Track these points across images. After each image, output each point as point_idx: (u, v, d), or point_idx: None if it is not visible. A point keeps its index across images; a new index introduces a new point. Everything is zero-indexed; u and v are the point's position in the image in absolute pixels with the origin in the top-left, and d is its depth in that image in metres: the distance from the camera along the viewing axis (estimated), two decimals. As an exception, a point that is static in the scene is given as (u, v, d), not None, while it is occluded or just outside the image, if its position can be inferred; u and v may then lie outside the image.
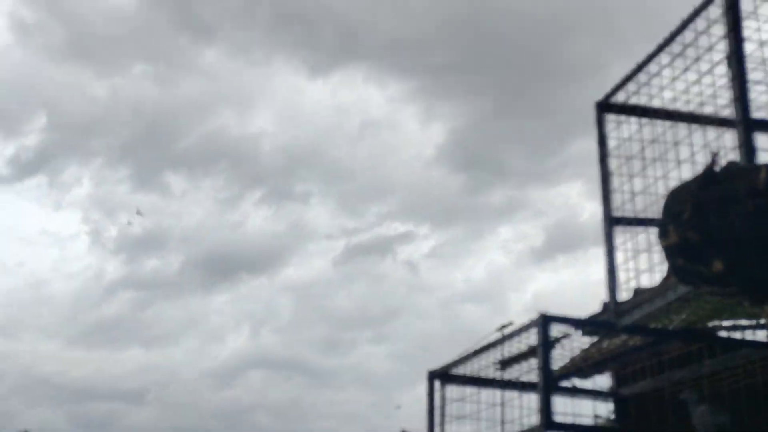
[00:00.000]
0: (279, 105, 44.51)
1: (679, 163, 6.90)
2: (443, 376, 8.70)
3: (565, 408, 7.97)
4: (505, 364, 8.45)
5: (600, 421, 8.80)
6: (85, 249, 42.96)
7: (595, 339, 8.36)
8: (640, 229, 7.50)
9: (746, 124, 6.15)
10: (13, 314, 38.75)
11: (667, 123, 7.34)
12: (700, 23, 6.70)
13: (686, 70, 6.95)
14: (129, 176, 42.48)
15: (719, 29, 6.48)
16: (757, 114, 6.50)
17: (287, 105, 44.46)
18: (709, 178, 4.86)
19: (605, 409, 8.87)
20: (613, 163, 7.95)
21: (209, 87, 42.48)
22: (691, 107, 7.13)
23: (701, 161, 6.73)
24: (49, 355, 37.12)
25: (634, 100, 7.82)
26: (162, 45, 41.44)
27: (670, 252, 4.89)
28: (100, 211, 43.40)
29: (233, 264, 40.64)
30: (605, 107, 8.19)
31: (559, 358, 8.43)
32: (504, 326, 7.86)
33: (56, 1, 40.67)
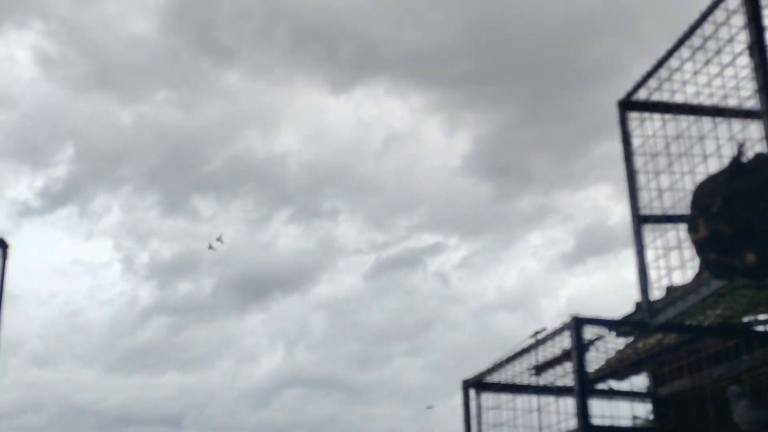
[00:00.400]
0: (303, 123, 44.72)
1: (705, 157, 6.82)
2: (478, 384, 8.64)
3: (602, 411, 7.90)
4: (540, 369, 8.38)
5: (639, 422, 8.69)
6: (118, 276, 43.28)
7: (629, 340, 8.27)
8: (669, 226, 7.43)
9: (772, 114, 6.06)
10: (50, 344, 39.07)
11: (691, 118, 7.27)
12: (719, 14, 6.63)
13: (707, 63, 6.87)
14: (158, 202, 42.81)
15: (739, 19, 6.41)
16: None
17: (311, 123, 44.66)
18: (737, 169, 4.80)
19: (644, 410, 8.77)
20: (638, 162, 7.89)
21: (232, 109, 42.80)
22: (714, 100, 7.05)
23: (728, 154, 6.66)
24: (87, 384, 37.37)
25: (656, 97, 7.75)
26: (184, 70, 41.82)
27: (700, 246, 4.83)
28: (131, 238, 43.74)
29: (265, 284, 40.79)
30: (628, 105, 8.12)
31: (594, 360, 8.34)
32: (537, 332, 7.80)
33: (78, 33, 41.18)
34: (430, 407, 24.67)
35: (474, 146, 42.06)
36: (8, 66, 41.35)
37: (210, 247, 27.82)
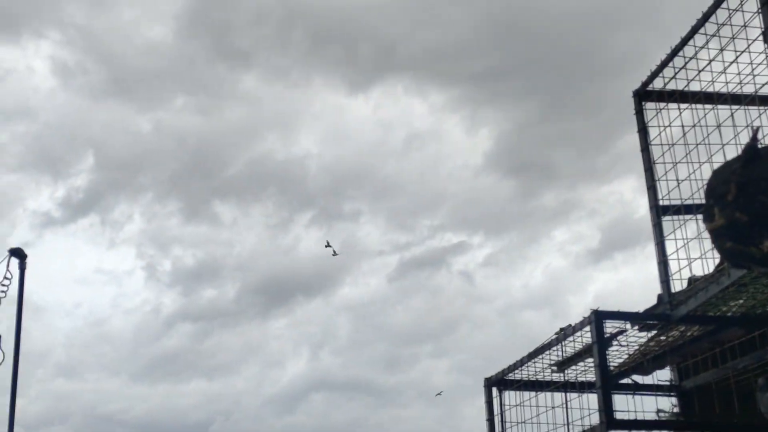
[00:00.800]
0: (322, 125, 44.59)
1: (722, 145, 6.73)
2: (500, 382, 8.58)
3: (627, 405, 7.81)
4: (562, 365, 8.30)
5: (664, 416, 8.58)
6: (141, 284, 43.25)
7: (652, 333, 8.16)
8: (689, 216, 7.33)
9: (788, 99, 5.98)
10: (76, 354, 39.17)
11: (708, 106, 7.18)
12: (732, 1, 6.54)
13: (722, 50, 6.78)
14: (179, 209, 42.75)
15: (752, 5, 6.32)
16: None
17: (330, 124, 44.52)
18: (752, 155, 4.70)
19: (669, 404, 8.66)
20: (656, 152, 7.79)
21: (251, 113, 42.74)
22: (730, 87, 6.95)
23: (745, 141, 6.55)
24: (113, 393, 37.43)
25: (672, 86, 7.65)
26: (201, 75, 41.78)
27: (717, 235, 4.74)
28: (154, 245, 43.72)
29: (288, 288, 40.69)
30: (644, 95, 8.03)
31: (617, 355, 8.25)
32: (563, 329, 7.73)
33: (95, 41, 41.30)
34: (439, 394, 25.06)
35: (496, 143, 41.77)
36: (27, 77, 41.56)
37: (327, 245, 27.87)
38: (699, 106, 7.32)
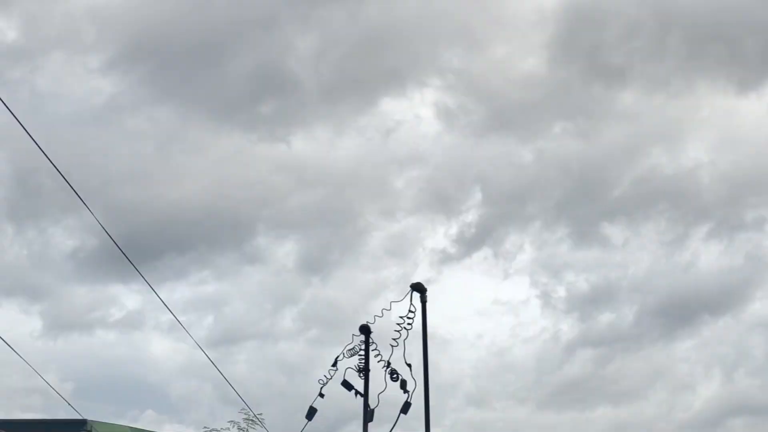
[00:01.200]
0: (710, 131, 42.56)
1: None
2: None
3: None
4: None
5: None
6: (538, 312, 44.05)
7: None
8: None
9: None
10: (483, 384, 40.65)
11: None
12: None
13: None
14: (568, 234, 43.08)
15: None
16: None
17: (719, 129, 42.30)
18: None
19: None
20: None
21: (632, 129, 41.98)
22: None
23: None
24: (523, 421, 38.25)
25: None
26: (577, 98, 41.93)
27: None
28: (546, 273, 44.35)
29: (691, 307, 39.01)
30: None
31: None
32: None
33: (473, 82, 43.12)
34: None
35: None
36: (415, 125, 44.64)
37: None
38: None
